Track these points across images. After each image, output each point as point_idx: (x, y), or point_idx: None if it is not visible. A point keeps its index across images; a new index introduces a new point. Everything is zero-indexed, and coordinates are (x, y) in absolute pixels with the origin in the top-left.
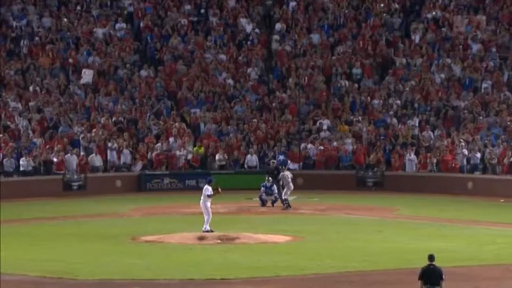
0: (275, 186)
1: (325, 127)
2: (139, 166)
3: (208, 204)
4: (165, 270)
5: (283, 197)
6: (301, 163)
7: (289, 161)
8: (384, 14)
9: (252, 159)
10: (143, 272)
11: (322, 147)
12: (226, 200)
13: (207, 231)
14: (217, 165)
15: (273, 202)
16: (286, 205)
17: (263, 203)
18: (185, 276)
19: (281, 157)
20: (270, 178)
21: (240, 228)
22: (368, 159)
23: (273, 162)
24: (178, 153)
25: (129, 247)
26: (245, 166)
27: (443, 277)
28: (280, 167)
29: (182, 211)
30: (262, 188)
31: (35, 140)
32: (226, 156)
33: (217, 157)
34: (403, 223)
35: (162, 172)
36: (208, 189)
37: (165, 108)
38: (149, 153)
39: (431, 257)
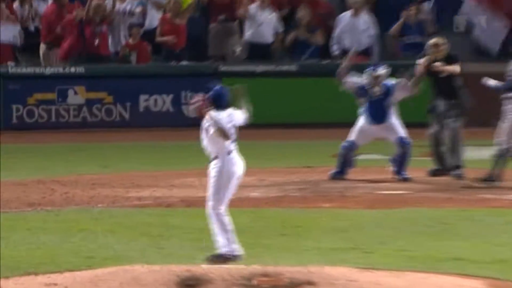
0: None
1: None
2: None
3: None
4: None
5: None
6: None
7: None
8: None
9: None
10: None
11: None
12: (271, 161)
13: (228, 256)
14: (238, 51)
15: (400, 163)
16: (488, 181)
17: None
18: None
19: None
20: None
21: (314, 253)
22: None
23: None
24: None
25: None
26: (330, 51)
27: None
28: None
29: (105, 193)
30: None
31: None
32: (275, 14)
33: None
34: None
35: (64, 71)
36: (218, 119)
37: None
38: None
39: None
